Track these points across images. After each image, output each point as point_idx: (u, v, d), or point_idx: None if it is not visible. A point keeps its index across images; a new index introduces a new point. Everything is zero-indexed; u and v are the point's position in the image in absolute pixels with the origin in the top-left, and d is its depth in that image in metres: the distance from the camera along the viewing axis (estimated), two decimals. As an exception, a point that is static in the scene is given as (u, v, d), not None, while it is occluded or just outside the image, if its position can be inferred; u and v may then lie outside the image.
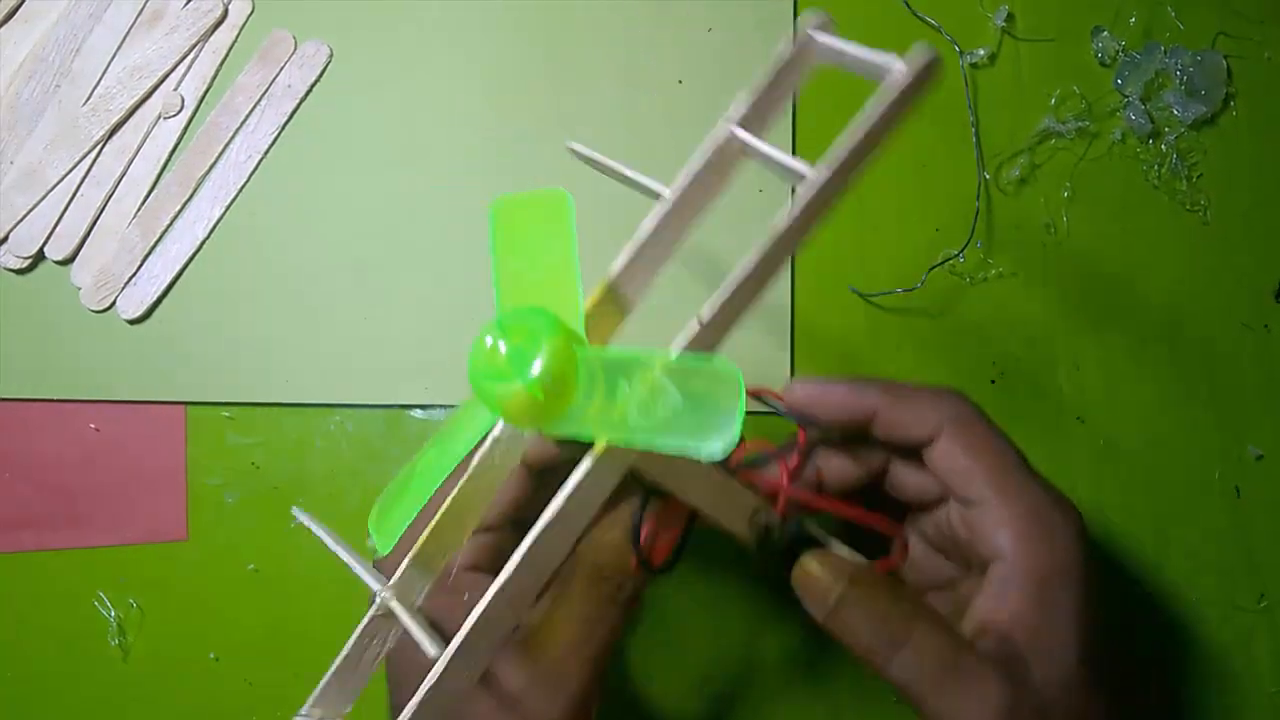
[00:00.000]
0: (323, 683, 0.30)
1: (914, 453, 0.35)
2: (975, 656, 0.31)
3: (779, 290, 0.47)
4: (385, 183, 0.47)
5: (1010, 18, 0.49)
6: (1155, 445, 0.48)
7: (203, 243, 0.46)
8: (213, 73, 0.47)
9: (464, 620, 0.26)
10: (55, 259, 0.46)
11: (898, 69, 0.28)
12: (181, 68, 0.47)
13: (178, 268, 0.46)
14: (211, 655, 0.45)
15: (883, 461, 0.37)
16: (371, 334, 0.46)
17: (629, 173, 0.32)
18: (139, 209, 0.46)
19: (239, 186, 0.46)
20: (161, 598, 0.45)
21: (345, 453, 0.46)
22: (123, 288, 0.46)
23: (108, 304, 0.45)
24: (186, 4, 0.47)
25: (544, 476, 0.36)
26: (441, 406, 0.46)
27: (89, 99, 0.46)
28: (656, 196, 0.31)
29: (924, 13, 0.49)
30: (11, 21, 0.46)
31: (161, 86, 0.47)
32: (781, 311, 0.47)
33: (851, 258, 0.48)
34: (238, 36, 0.47)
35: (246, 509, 0.45)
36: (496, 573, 0.31)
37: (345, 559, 0.31)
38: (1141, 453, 0.48)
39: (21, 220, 0.45)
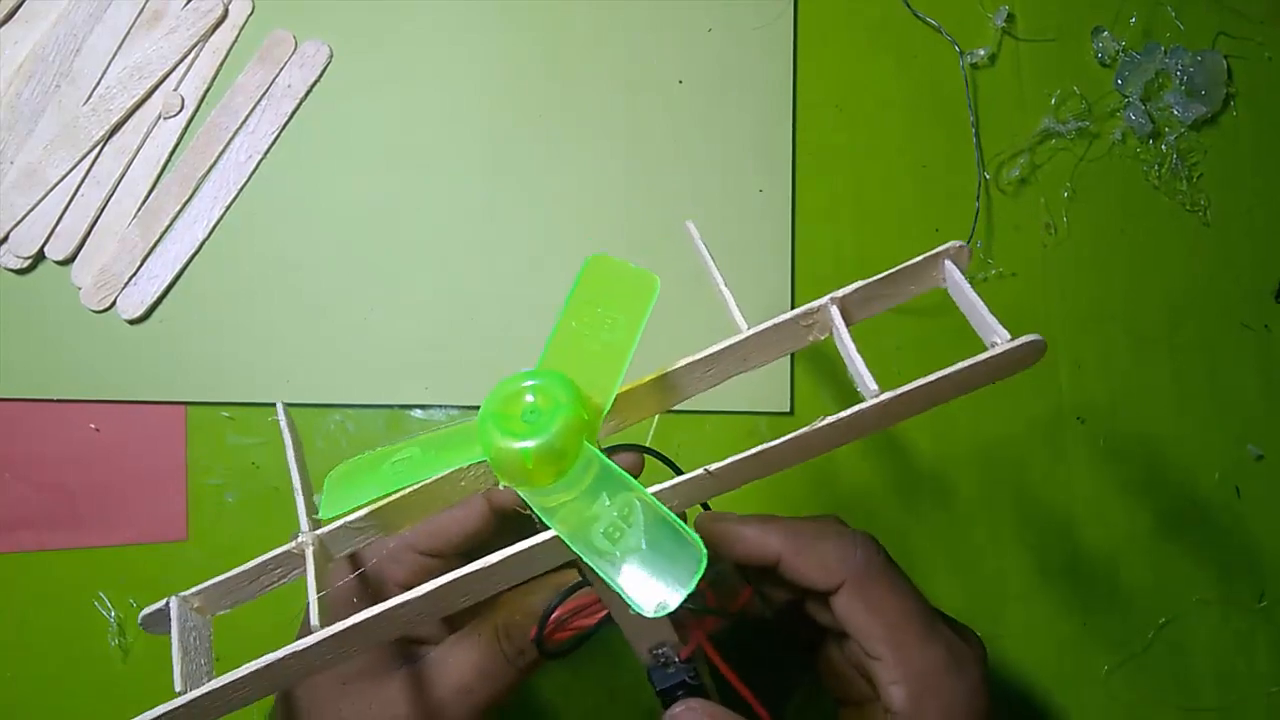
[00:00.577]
0: (213, 581, 0.31)
1: (821, 595, 0.36)
2: None
3: (779, 289, 0.47)
4: (385, 183, 0.47)
5: (1010, 18, 0.49)
6: (1155, 445, 0.48)
7: (203, 243, 0.46)
8: (213, 73, 0.47)
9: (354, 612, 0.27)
10: (55, 259, 0.46)
11: (1000, 339, 0.28)
12: (181, 68, 0.47)
13: (178, 268, 0.46)
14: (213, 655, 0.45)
15: (798, 594, 0.38)
16: (371, 334, 0.46)
17: (724, 288, 0.32)
18: (139, 209, 0.46)
19: (239, 187, 0.46)
20: (161, 598, 0.45)
21: (345, 453, 0.46)
22: (123, 288, 0.46)
23: (108, 304, 0.45)
24: (186, 4, 0.47)
25: (505, 518, 0.36)
26: (441, 407, 0.46)
27: (89, 99, 0.46)
28: (733, 323, 0.31)
29: (924, 13, 0.49)
30: (11, 22, 0.46)
31: (161, 86, 0.47)
32: (781, 311, 0.47)
33: (851, 258, 0.48)
34: (238, 36, 0.47)
35: (246, 509, 0.45)
36: None
37: (295, 482, 0.31)
38: (1141, 453, 0.48)
39: (22, 220, 0.45)
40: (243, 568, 0.31)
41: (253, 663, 0.27)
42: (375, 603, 0.27)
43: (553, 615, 0.33)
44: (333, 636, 0.27)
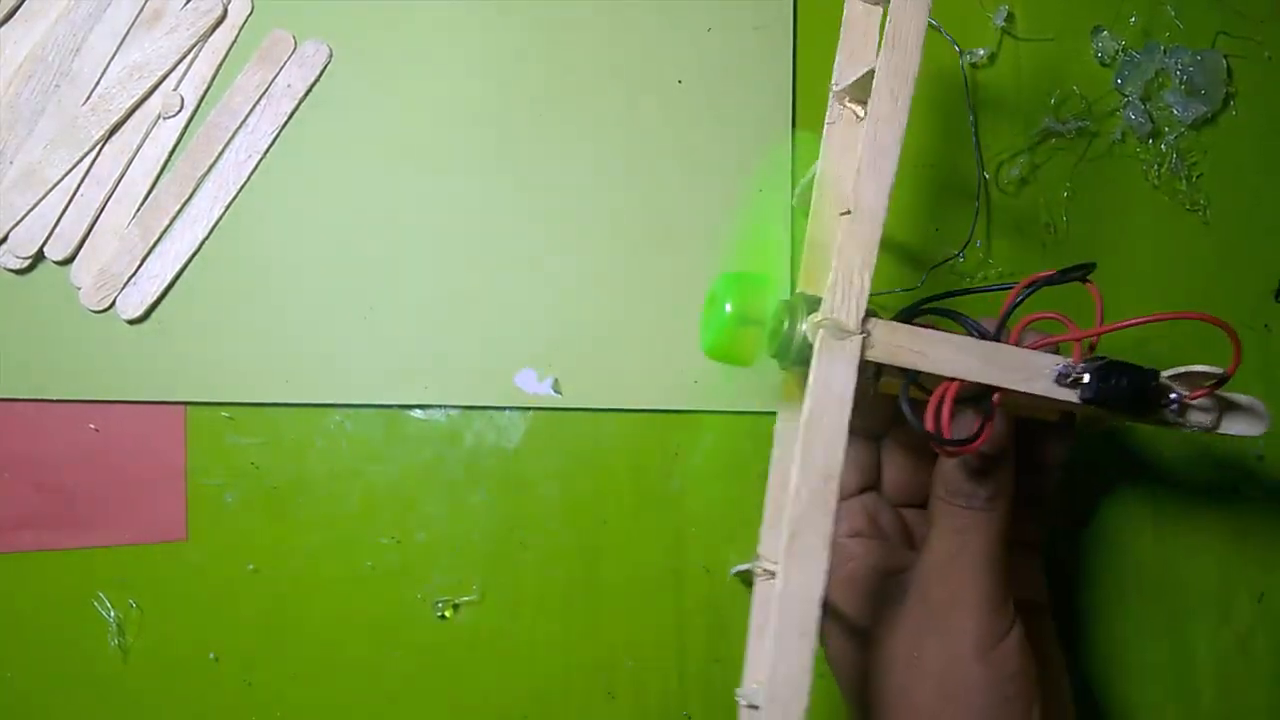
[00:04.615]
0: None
1: None
2: None
3: (778, 289, 0.47)
4: (384, 182, 0.47)
5: (1010, 18, 0.49)
6: (1155, 445, 0.48)
7: (202, 242, 0.46)
8: (212, 73, 0.47)
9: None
10: (55, 259, 0.46)
11: None
12: (181, 68, 0.47)
13: (177, 267, 0.46)
14: (211, 655, 0.45)
15: None
16: (371, 334, 0.46)
17: None
18: (138, 209, 0.46)
19: (238, 186, 0.46)
20: (161, 598, 0.45)
21: (345, 453, 0.46)
22: (122, 287, 0.46)
23: (107, 304, 0.45)
24: (186, 4, 0.47)
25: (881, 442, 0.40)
26: (441, 407, 0.46)
27: (88, 99, 0.46)
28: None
29: (924, 12, 0.49)
30: (11, 21, 0.46)
31: (161, 86, 0.47)
32: (781, 311, 0.47)
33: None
34: (237, 36, 0.47)
35: (246, 509, 0.45)
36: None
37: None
38: (1141, 453, 0.48)
39: (21, 220, 0.45)
40: None
41: None
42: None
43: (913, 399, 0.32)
44: (796, 548, 0.31)
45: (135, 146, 0.46)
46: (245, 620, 0.45)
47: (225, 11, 0.47)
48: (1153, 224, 0.49)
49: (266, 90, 0.47)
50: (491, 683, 0.45)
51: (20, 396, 0.45)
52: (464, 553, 0.46)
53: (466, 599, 0.46)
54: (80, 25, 0.46)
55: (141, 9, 0.47)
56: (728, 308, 0.34)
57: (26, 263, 0.46)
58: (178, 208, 0.46)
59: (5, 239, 0.46)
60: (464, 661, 0.45)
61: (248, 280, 0.46)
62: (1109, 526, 0.48)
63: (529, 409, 0.46)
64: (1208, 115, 0.49)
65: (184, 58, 0.47)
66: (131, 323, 0.46)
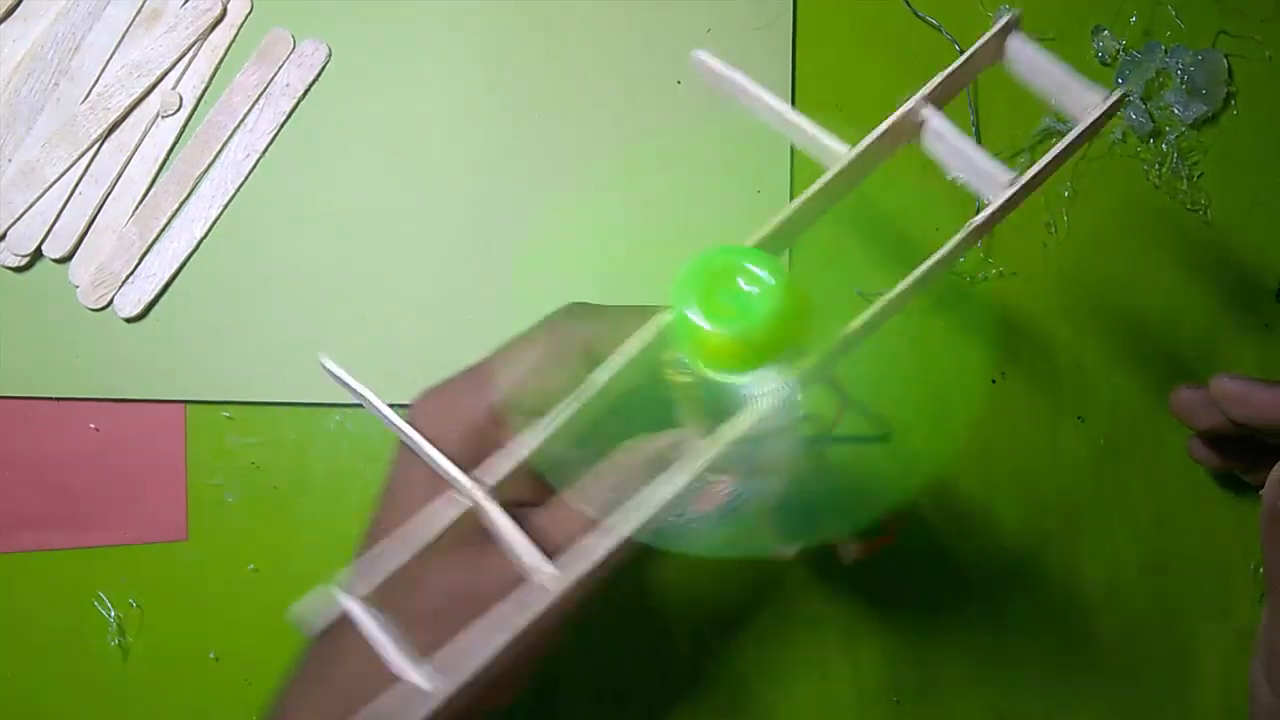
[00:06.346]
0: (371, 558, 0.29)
1: None
2: None
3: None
4: (384, 181, 0.47)
5: (1011, 17, 0.49)
6: (1155, 445, 0.48)
7: (200, 241, 0.46)
8: (211, 71, 0.47)
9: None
10: (53, 257, 0.46)
11: (1098, 97, 0.30)
12: (180, 66, 0.47)
13: (175, 266, 0.46)
14: (211, 655, 0.45)
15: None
16: (370, 334, 0.46)
17: (795, 116, 0.32)
18: (137, 207, 0.46)
19: (237, 185, 0.46)
20: (161, 598, 0.45)
21: (345, 453, 0.46)
22: (120, 286, 0.46)
23: (105, 302, 0.45)
24: (185, 2, 0.47)
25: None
26: (441, 406, 0.46)
27: (87, 97, 0.46)
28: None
29: (924, 12, 0.48)
30: (10, 19, 0.46)
31: (160, 85, 0.46)
32: (781, 311, 0.47)
33: (850, 259, 0.48)
34: (236, 35, 0.47)
35: (246, 509, 0.45)
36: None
37: (410, 439, 0.31)
38: (1141, 452, 0.48)
39: (20, 218, 0.45)
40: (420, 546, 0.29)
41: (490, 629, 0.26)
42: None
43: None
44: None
45: (134, 145, 0.46)
46: (245, 620, 0.45)
47: (224, 10, 0.47)
48: (1153, 224, 0.49)
49: (265, 89, 0.47)
50: (491, 682, 0.45)
51: (17, 395, 0.45)
52: (464, 552, 0.46)
53: (466, 599, 0.46)
54: (79, 23, 0.46)
55: (141, 7, 0.47)
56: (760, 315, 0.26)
57: (25, 260, 0.45)
58: (176, 206, 0.46)
59: (4, 236, 0.45)
60: (464, 661, 0.45)
61: (247, 279, 0.46)
62: (1108, 526, 0.48)
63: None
64: (1208, 115, 0.49)
65: (183, 56, 0.46)
66: (129, 321, 0.46)
